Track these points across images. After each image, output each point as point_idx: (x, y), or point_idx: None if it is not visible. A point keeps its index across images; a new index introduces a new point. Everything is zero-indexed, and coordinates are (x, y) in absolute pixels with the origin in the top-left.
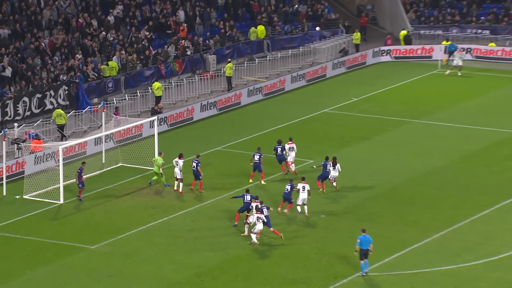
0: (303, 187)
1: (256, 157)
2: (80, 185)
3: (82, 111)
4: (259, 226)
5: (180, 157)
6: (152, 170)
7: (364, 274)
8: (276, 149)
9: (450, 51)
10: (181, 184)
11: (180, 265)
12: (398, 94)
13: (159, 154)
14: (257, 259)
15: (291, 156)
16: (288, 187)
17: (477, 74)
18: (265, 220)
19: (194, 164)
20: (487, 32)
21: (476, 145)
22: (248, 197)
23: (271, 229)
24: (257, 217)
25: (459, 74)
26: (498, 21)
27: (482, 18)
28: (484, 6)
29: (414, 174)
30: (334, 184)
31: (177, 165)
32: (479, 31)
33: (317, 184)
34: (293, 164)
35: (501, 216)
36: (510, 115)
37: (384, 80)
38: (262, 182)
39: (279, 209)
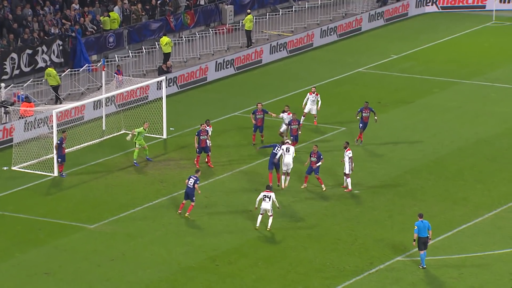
0: (287, 149)
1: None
2: (59, 159)
3: (79, 70)
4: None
5: (208, 123)
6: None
7: (424, 266)
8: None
9: None
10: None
11: (192, 248)
12: (445, 50)
13: (144, 123)
14: (280, 241)
15: (314, 109)
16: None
17: None
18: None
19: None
20: None
21: None
22: (279, 149)
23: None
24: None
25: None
26: None
27: None
28: None
29: (464, 143)
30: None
31: (207, 133)
32: None
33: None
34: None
35: None
36: None
37: (429, 34)
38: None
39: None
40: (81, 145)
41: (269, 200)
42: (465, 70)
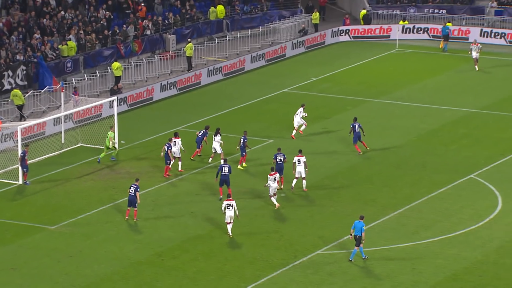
0: (299, 160)
1: (241, 141)
2: (24, 170)
3: (41, 91)
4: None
5: (176, 136)
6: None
7: (351, 259)
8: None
9: (444, 35)
10: (179, 163)
11: (141, 245)
12: (357, 73)
13: (111, 128)
14: (217, 238)
15: (296, 121)
16: (281, 157)
17: (434, 54)
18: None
19: (166, 147)
20: (444, 11)
21: (433, 124)
22: (226, 169)
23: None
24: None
25: (476, 68)
26: (454, 1)
27: None
28: None
29: (372, 153)
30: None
31: (175, 144)
32: (436, 10)
33: (356, 148)
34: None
35: (458, 193)
36: (466, 94)
37: (342, 60)
38: (244, 164)
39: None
40: (43, 157)
41: (232, 208)
42: (374, 90)
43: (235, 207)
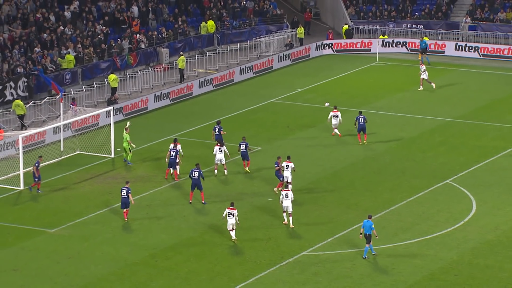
0: (287, 165)
1: (243, 147)
2: (36, 179)
3: (41, 102)
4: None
5: (175, 141)
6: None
7: (365, 257)
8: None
9: (422, 48)
10: (177, 167)
11: (136, 247)
12: (339, 84)
13: (125, 130)
14: (208, 240)
15: (334, 123)
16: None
17: (412, 66)
18: None
19: (173, 154)
20: (421, 26)
21: (411, 132)
22: (195, 173)
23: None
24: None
25: (421, 88)
26: (431, 17)
27: (416, 14)
28: (418, 2)
29: (355, 159)
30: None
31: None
32: (414, 25)
33: (358, 139)
34: (336, 130)
35: (435, 198)
36: (443, 104)
37: (326, 71)
38: (247, 169)
39: (275, 189)
40: (43, 164)
41: (233, 216)
42: (355, 101)
43: (236, 216)
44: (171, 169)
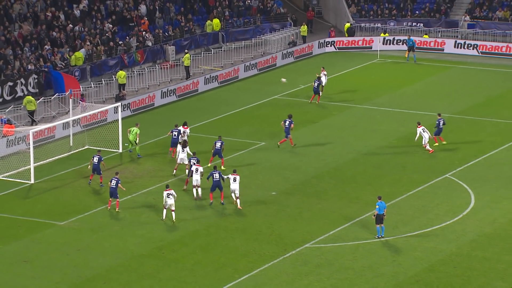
0: (234, 179)
1: (218, 144)
2: (98, 173)
3: (51, 98)
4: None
5: (185, 125)
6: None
7: (380, 236)
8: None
9: (409, 46)
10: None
11: (143, 239)
12: (341, 81)
13: (136, 125)
14: (213, 233)
15: (425, 138)
16: (216, 174)
17: (412, 63)
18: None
19: (175, 133)
20: (421, 25)
21: (411, 128)
22: (216, 175)
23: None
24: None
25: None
26: (431, 15)
27: (417, 12)
28: (418, 1)
29: (356, 154)
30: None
31: (184, 151)
32: (414, 24)
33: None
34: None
35: (434, 192)
36: (442, 100)
37: (328, 69)
38: (222, 167)
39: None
40: (53, 158)
41: (172, 197)
42: (357, 97)
43: (175, 195)
44: (174, 148)
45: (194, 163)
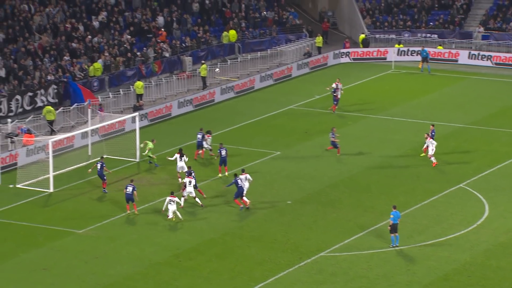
0: (190, 182)
1: (223, 152)
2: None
3: (70, 108)
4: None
5: (208, 133)
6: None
7: (394, 245)
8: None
9: (423, 57)
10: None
11: (160, 247)
12: (356, 92)
13: (152, 141)
14: (229, 241)
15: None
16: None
17: (426, 74)
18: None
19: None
20: (436, 36)
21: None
22: (239, 180)
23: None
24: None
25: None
26: (445, 26)
27: (431, 23)
28: (432, 12)
29: (371, 164)
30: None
31: (181, 160)
32: (428, 35)
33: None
34: (432, 158)
35: (448, 201)
36: (456, 111)
37: (343, 79)
38: (226, 173)
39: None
40: (72, 167)
41: (174, 204)
42: (372, 107)
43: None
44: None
45: (187, 175)
